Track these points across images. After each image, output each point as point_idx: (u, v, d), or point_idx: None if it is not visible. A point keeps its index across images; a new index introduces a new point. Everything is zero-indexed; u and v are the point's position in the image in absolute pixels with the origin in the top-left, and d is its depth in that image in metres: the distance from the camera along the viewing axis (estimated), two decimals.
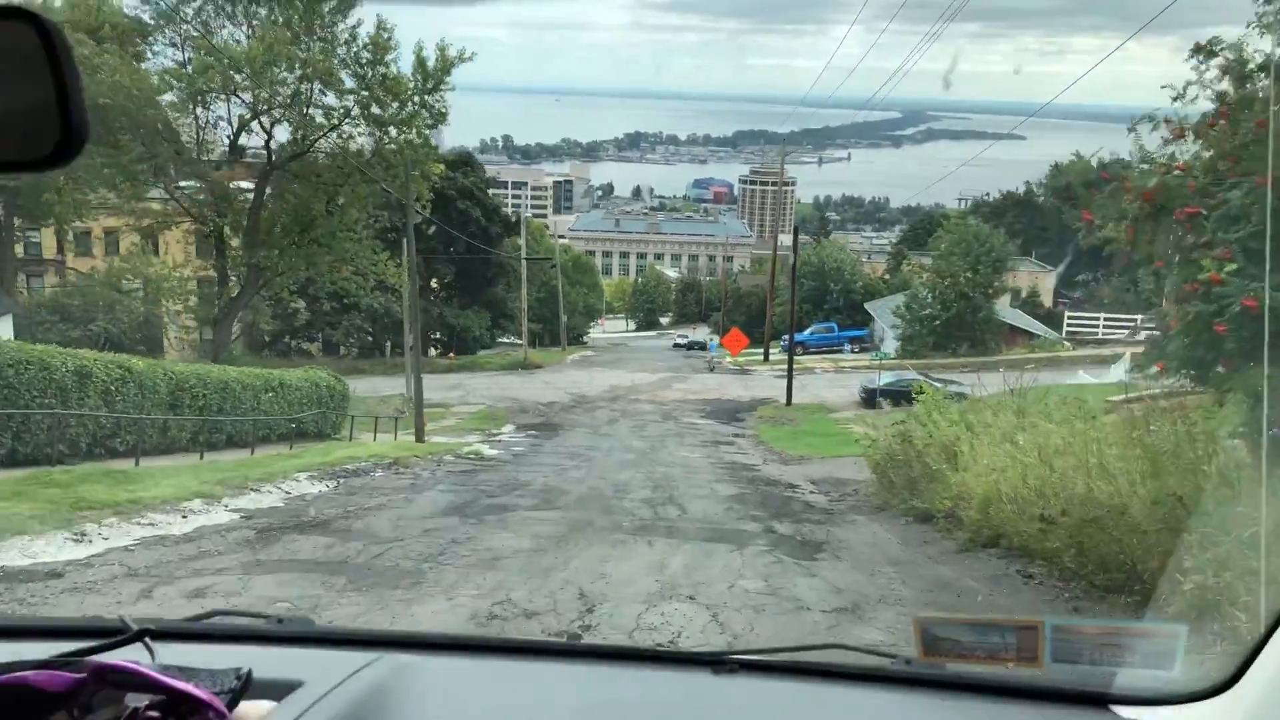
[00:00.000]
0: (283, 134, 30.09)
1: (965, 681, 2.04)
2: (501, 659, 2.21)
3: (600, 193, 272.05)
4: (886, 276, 62.65)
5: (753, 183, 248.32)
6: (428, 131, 29.81)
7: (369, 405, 34.07)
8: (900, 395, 37.71)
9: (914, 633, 2.09)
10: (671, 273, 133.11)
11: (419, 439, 25.02)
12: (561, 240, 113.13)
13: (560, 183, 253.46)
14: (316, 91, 29.36)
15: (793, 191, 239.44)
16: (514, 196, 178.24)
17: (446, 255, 46.49)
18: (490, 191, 52.50)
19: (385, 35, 29.20)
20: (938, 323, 45.86)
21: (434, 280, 49.26)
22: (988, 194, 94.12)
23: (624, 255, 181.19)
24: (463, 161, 48.63)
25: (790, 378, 37.72)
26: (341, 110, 29.18)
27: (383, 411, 33.44)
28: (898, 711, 2.04)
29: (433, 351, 50.70)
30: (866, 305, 56.43)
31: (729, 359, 50.05)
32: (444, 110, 29.80)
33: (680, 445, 26.31)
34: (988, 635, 2.04)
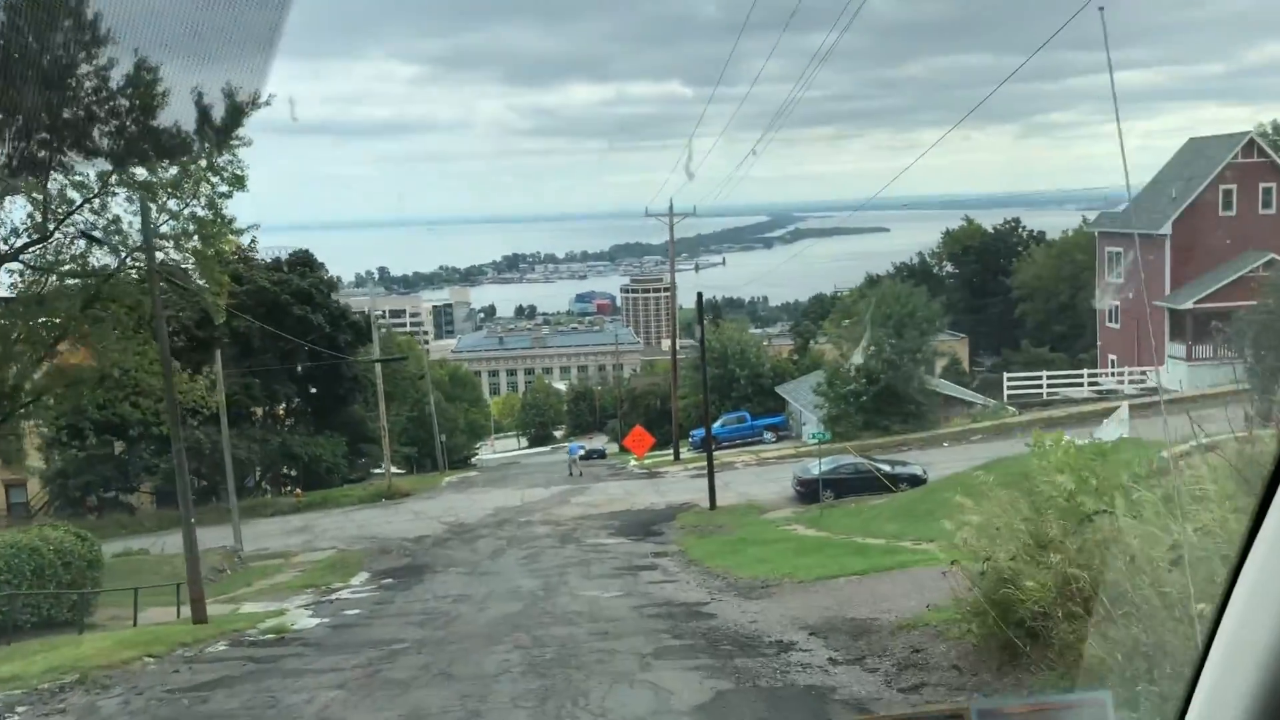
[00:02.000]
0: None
1: None
2: None
3: (482, 315, 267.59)
4: (795, 357, 57.13)
5: (634, 291, 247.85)
6: (221, 201, 22.93)
7: (175, 566, 26.00)
8: (846, 484, 31.50)
9: None
10: (561, 385, 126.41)
11: (197, 616, 17.27)
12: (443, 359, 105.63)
13: (440, 308, 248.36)
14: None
15: (675, 297, 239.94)
16: (394, 325, 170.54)
17: (285, 372, 38.97)
18: (355, 309, 45.06)
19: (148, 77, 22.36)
20: (864, 398, 40.05)
21: (274, 404, 41.37)
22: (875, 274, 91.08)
23: (511, 373, 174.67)
24: (299, 262, 41.41)
25: (711, 476, 31.13)
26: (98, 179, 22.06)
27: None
28: None
29: (287, 491, 42.52)
30: (778, 389, 50.53)
31: (634, 462, 43.19)
32: (240, 174, 23.03)
33: (586, 579, 19.35)
34: None
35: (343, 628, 15.22)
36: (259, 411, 42.43)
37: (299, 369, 42.18)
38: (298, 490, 39.47)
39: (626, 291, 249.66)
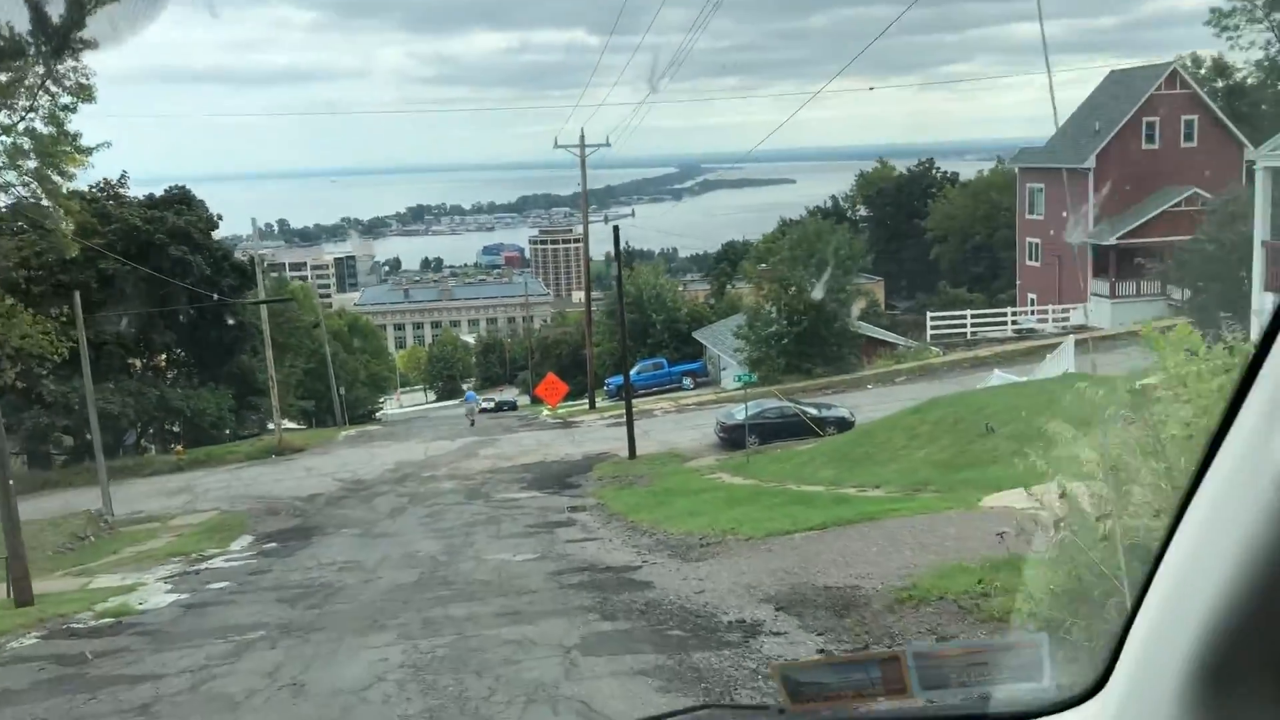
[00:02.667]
0: None
1: None
2: None
3: (387, 268, 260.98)
4: (711, 302, 55.15)
5: (543, 242, 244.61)
6: (64, 114, 19.56)
7: (28, 536, 22.92)
8: (771, 429, 29.69)
9: (777, 682, 2.07)
10: (470, 338, 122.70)
11: (19, 598, 14.44)
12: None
13: (343, 259, 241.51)
14: None
15: (587, 235, 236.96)
16: (295, 278, 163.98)
17: (163, 319, 35.26)
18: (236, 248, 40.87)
19: None
20: (786, 341, 38.26)
21: (152, 355, 37.51)
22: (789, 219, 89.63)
23: (417, 326, 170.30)
24: (176, 199, 37.37)
25: (630, 424, 29.02)
26: None
27: (48, 541, 22.51)
28: None
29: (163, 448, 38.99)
30: (695, 334, 48.54)
31: (547, 411, 40.78)
32: (87, 84, 19.66)
33: (495, 539, 17.09)
34: (851, 673, 2.05)
35: (198, 608, 12.68)
36: (138, 363, 38.69)
37: (180, 317, 38.55)
38: (178, 447, 36.05)
39: (535, 243, 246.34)
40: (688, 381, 44.93)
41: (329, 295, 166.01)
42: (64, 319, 27.68)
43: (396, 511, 23.91)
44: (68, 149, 20.78)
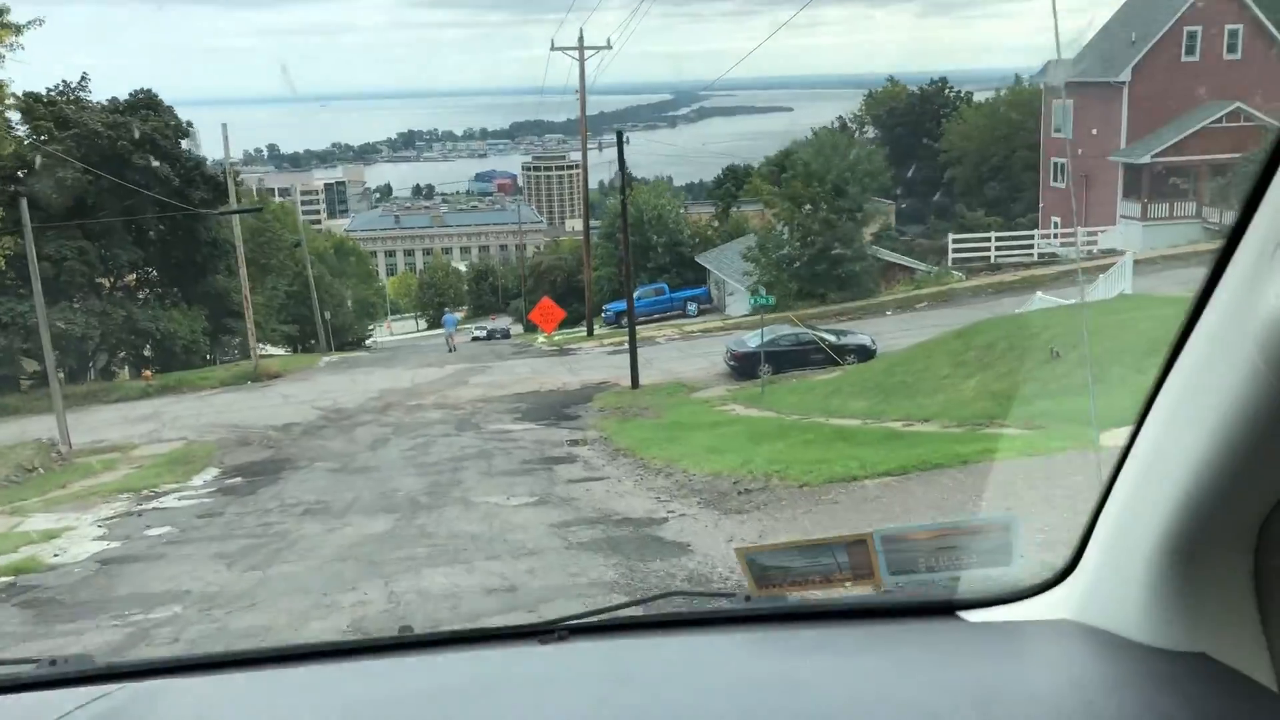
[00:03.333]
0: None
1: (807, 611, 1.97)
2: (275, 668, 2.00)
3: (378, 194, 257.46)
4: (715, 224, 52.33)
5: (536, 169, 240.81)
6: None
7: None
8: (785, 357, 27.40)
9: (741, 567, 2.00)
10: (461, 266, 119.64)
11: None
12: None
13: (333, 185, 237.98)
14: None
15: (579, 174, 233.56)
16: (282, 203, 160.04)
17: (129, 234, 32.36)
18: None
19: None
20: (799, 264, 35.77)
21: (118, 274, 34.55)
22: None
23: (409, 254, 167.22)
24: (141, 104, 34.06)
25: (634, 351, 26.70)
26: None
27: None
28: (742, 651, 1.91)
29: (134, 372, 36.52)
30: (699, 258, 45.92)
31: (542, 338, 38.34)
32: None
33: (486, 476, 14.88)
34: (818, 557, 1.99)
35: (118, 564, 10.45)
36: (107, 283, 35.94)
37: (150, 233, 35.82)
38: (146, 371, 33.61)
39: (529, 170, 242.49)
40: (692, 307, 42.45)
41: (319, 221, 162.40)
42: (11, 229, 25.12)
43: (378, 443, 21.71)
44: None
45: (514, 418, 23.93)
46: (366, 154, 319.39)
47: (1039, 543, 6.51)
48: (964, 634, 1.84)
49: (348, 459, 19.89)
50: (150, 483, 18.51)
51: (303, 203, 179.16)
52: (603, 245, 47.10)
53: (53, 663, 2.03)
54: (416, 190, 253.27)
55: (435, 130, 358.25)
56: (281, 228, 49.91)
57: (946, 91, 69.19)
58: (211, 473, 20.17)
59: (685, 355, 31.69)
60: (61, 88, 33.16)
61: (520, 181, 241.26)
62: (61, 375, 36.38)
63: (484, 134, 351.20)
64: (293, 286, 50.25)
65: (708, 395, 25.82)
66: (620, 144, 26.07)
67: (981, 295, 34.60)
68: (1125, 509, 1.60)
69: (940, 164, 60.81)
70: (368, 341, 67.87)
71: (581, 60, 35.16)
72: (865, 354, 27.43)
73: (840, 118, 76.06)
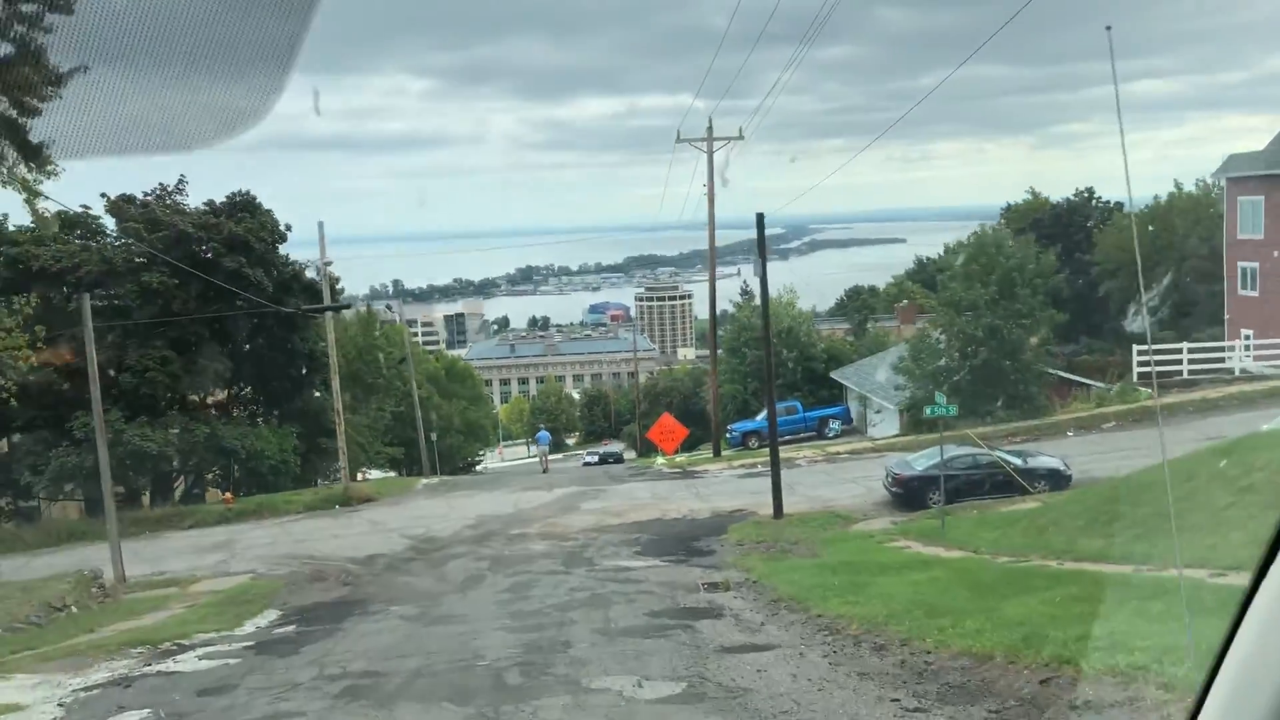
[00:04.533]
0: None
1: None
2: None
3: (495, 326, 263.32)
4: (851, 339, 47.98)
5: (649, 300, 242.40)
6: None
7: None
8: (959, 484, 22.62)
9: None
10: (575, 393, 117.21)
11: None
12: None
13: (452, 317, 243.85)
14: None
15: (691, 303, 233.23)
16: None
17: (219, 344, 29.80)
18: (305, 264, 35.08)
19: None
20: (958, 377, 31.05)
21: (204, 387, 31.80)
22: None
23: (523, 381, 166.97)
24: (238, 206, 31.59)
25: (776, 474, 22.30)
26: None
27: (15, 612, 16.99)
28: None
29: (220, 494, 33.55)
30: (834, 374, 41.51)
31: (662, 459, 34.14)
32: None
33: (603, 636, 10.73)
34: None
35: None
36: (196, 398, 33.47)
37: (242, 343, 33.40)
38: (227, 494, 30.63)
39: (641, 300, 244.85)
40: (834, 426, 37.75)
41: (438, 346, 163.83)
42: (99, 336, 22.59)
43: (471, 581, 17.77)
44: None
45: (634, 551, 19.74)
46: (486, 288, 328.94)
47: None
48: None
49: (430, 603, 15.95)
50: (185, 631, 14.81)
51: (423, 335, 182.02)
52: (725, 361, 43.19)
53: None
54: (532, 322, 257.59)
55: (551, 265, 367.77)
56: (389, 345, 47.58)
57: (1094, 201, 64.16)
58: (269, 616, 16.48)
59: (833, 480, 27.13)
60: (159, 191, 31.42)
61: (633, 312, 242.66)
62: (145, 497, 33.89)
63: (598, 268, 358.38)
64: (399, 408, 47.59)
65: (870, 528, 21.21)
66: (760, 228, 22.26)
67: (1180, 414, 29.21)
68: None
69: (1093, 276, 55.54)
70: (478, 466, 64.87)
71: (710, 151, 31.97)
72: (1059, 480, 22.56)
73: (979, 224, 71.51)
